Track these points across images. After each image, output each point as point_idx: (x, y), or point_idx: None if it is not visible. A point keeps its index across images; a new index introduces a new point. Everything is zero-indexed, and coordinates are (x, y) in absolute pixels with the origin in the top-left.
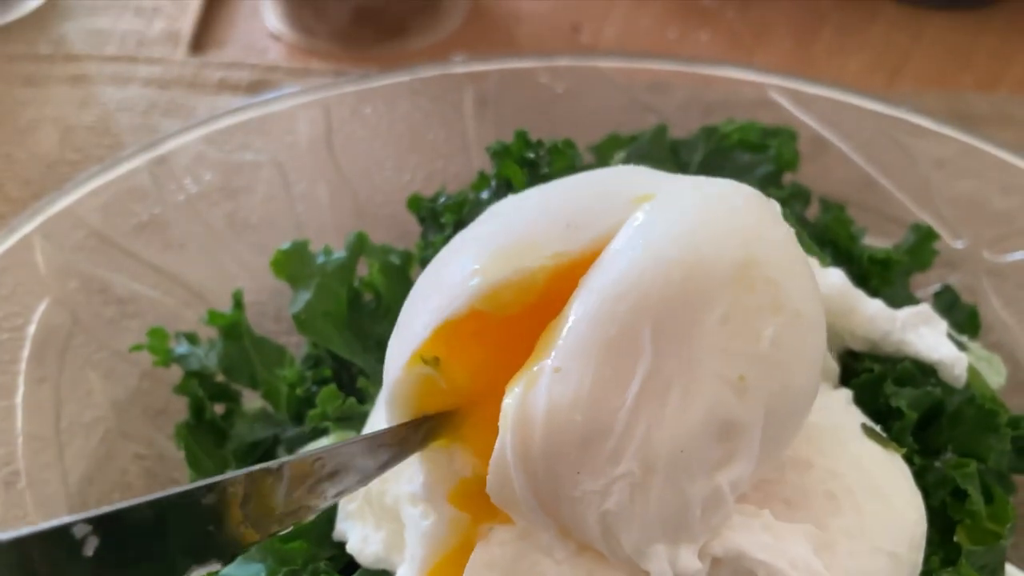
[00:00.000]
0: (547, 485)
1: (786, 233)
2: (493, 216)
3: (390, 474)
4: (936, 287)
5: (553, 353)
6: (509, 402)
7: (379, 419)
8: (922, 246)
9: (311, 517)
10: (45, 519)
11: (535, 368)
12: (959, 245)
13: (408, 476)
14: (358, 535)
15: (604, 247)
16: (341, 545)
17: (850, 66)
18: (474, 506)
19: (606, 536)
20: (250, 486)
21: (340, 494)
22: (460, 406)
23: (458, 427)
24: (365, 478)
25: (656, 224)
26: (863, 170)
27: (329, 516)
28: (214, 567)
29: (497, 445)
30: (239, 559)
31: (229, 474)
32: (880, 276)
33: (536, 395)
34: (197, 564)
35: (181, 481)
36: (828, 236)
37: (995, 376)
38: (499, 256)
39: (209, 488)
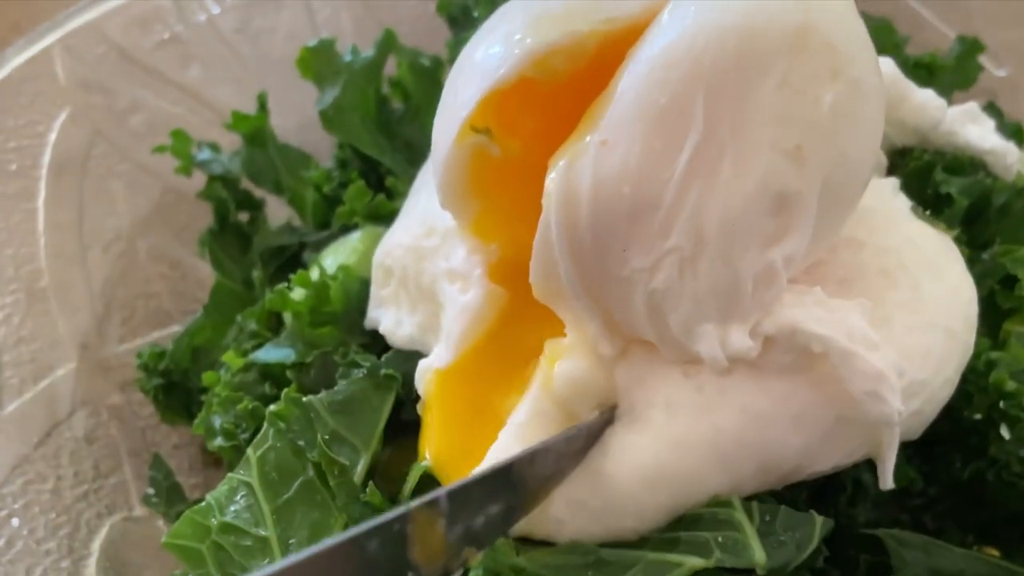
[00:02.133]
0: (593, 265)
1: (847, 2)
2: None
3: (428, 253)
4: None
5: (600, 124)
6: (553, 177)
7: (417, 205)
8: (967, 58)
9: None
10: (67, 318)
11: (581, 141)
12: (1002, 73)
13: (445, 253)
14: (392, 318)
15: (657, 14)
16: (373, 334)
17: None
18: (513, 283)
19: (653, 317)
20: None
21: None
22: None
23: (504, 203)
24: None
25: None
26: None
27: (360, 306)
28: None
29: (541, 224)
30: (267, 345)
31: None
32: (925, 83)
33: (581, 169)
34: None
35: (205, 298)
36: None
37: None
38: (548, 21)
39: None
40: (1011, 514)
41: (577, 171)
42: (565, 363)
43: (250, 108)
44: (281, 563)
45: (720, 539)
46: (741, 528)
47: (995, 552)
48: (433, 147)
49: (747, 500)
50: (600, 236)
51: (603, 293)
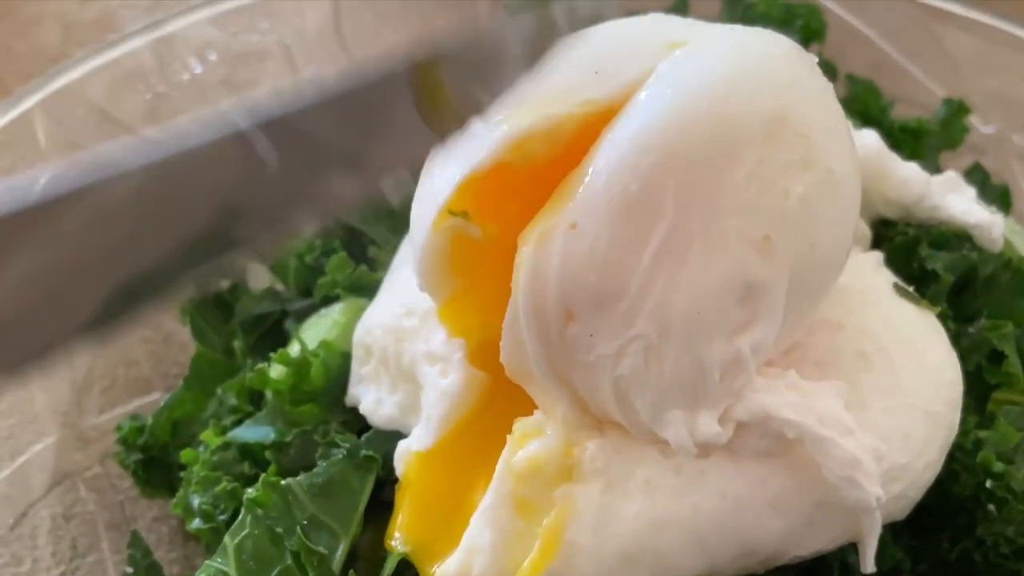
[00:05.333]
0: (560, 348)
1: (824, 87)
2: None
3: (407, 334)
4: (966, 167)
5: (570, 207)
6: (522, 256)
7: (398, 282)
8: (953, 120)
9: None
10: (46, 390)
11: (550, 223)
12: (989, 130)
13: (425, 335)
14: (372, 397)
15: (633, 95)
16: (353, 411)
17: None
18: (494, 367)
19: (621, 403)
20: None
21: None
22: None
23: (483, 284)
24: None
25: (686, 72)
26: (890, 56)
27: (341, 382)
28: None
29: (510, 306)
30: (247, 422)
31: None
32: (911, 147)
33: (550, 252)
34: None
35: (186, 363)
36: (856, 107)
37: None
38: (525, 105)
39: None
40: None
41: (546, 253)
42: (530, 443)
43: None
44: None
45: None
46: None
47: None
48: (411, 231)
49: None
50: (566, 321)
51: (571, 375)
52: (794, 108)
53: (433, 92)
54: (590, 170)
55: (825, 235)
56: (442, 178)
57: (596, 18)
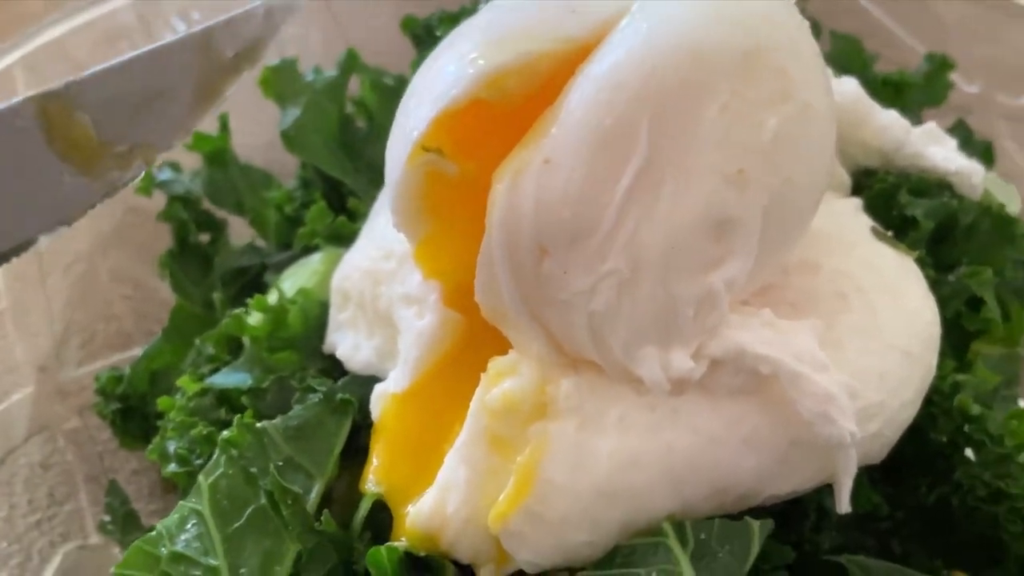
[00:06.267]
0: (534, 285)
1: (800, 23)
2: (493, 6)
3: (384, 277)
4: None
5: (544, 142)
6: (496, 192)
7: (375, 228)
8: (937, 75)
9: None
10: (26, 341)
11: (525, 157)
12: (974, 89)
13: (402, 277)
14: (349, 343)
15: (611, 31)
16: (332, 359)
17: None
18: (470, 308)
19: (595, 340)
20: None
21: None
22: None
23: (458, 225)
24: None
25: (661, 8)
26: (878, 19)
27: (319, 330)
28: None
29: (483, 243)
30: (224, 369)
31: None
32: (893, 101)
33: (524, 187)
34: None
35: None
36: (840, 62)
37: (1010, 203)
38: (501, 42)
39: None
40: (980, 538)
41: (520, 189)
42: (504, 381)
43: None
44: None
45: (654, 575)
46: (675, 559)
47: None
48: (387, 168)
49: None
50: (540, 258)
51: (545, 313)
52: (769, 42)
53: (68, 133)
54: (565, 106)
55: (800, 170)
56: (416, 114)
57: (260, 42)
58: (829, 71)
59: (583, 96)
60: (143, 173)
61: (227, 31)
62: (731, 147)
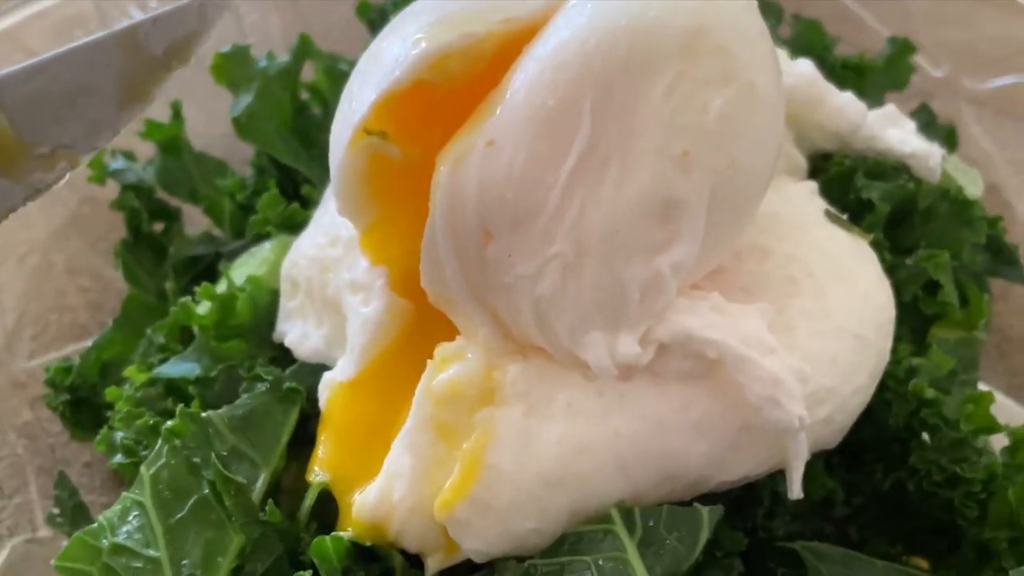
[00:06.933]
0: (479, 270)
1: (746, 4)
2: None
3: (331, 263)
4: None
5: (488, 124)
6: (438, 180)
7: (325, 215)
8: (898, 59)
9: None
10: None
11: (469, 139)
12: (939, 74)
13: (349, 264)
14: (298, 331)
15: (556, 13)
16: (283, 348)
17: None
18: (417, 295)
19: (541, 325)
20: None
21: None
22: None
23: (404, 210)
24: None
25: None
26: (842, 1)
27: (269, 318)
28: None
29: (427, 227)
30: (173, 359)
31: None
32: (854, 84)
33: (468, 170)
34: None
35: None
36: (801, 45)
37: (972, 187)
38: (445, 23)
39: None
40: (938, 523)
41: (463, 172)
42: (450, 366)
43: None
44: None
45: (601, 562)
46: (622, 546)
47: (923, 563)
48: (330, 153)
49: (629, 508)
50: (485, 241)
51: (491, 298)
52: (713, 22)
53: None
54: (509, 88)
55: (746, 151)
56: (360, 97)
57: (192, 38)
58: (783, 53)
59: (527, 77)
60: (66, 176)
61: (156, 27)
62: (675, 128)
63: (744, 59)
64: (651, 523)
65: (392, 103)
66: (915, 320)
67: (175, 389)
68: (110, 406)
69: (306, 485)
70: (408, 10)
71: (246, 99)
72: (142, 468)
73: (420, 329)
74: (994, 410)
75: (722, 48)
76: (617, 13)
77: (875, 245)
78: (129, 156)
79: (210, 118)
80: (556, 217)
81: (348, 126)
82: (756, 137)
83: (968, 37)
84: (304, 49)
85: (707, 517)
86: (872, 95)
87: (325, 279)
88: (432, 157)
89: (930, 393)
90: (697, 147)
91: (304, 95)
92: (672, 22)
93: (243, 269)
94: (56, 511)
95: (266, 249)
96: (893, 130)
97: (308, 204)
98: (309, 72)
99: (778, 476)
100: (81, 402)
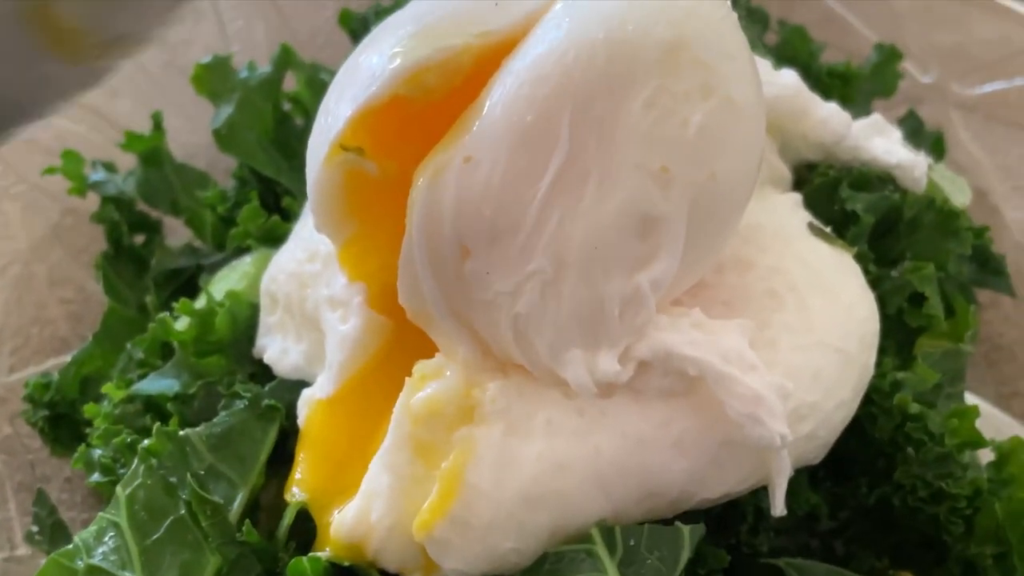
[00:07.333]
0: (457, 287)
1: (725, 15)
2: (417, 1)
3: (310, 279)
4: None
5: (465, 140)
6: (415, 196)
7: (304, 229)
8: (885, 66)
9: None
10: None
11: (444, 157)
12: (927, 79)
13: (327, 279)
14: (278, 347)
15: (534, 25)
16: (263, 364)
17: None
18: (396, 312)
19: (520, 342)
20: None
21: None
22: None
23: (382, 226)
24: None
25: (584, 2)
26: (829, 6)
27: (249, 333)
28: None
29: (404, 244)
30: (152, 375)
31: None
32: (840, 92)
33: (445, 185)
34: None
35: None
36: (786, 53)
37: (959, 196)
38: (422, 36)
39: None
40: (924, 537)
41: (440, 188)
42: (429, 384)
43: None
44: None
45: None
46: (603, 566)
47: None
48: (307, 168)
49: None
50: (463, 258)
51: (470, 315)
52: (693, 35)
53: (49, 24)
54: (487, 102)
55: (726, 165)
56: (336, 112)
57: None
58: (767, 63)
59: (505, 91)
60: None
61: None
62: (654, 143)
63: (723, 72)
64: (632, 543)
65: (368, 118)
66: (900, 333)
67: (154, 406)
68: (89, 422)
69: (285, 503)
70: (387, 22)
71: (227, 110)
72: (118, 488)
73: (399, 346)
74: (982, 421)
75: (701, 61)
76: (595, 26)
77: (860, 257)
78: (110, 168)
79: (193, 128)
80: (534, 233)
81: (324, 142)
82: (736, 151)
83: (957, 40)
84: (286, 59)
85: (688, 536)
86: (859, 102)
87: (304, 295)
88: (410, 172)
89: (915, 407)
90: (677, 161)
91: (286, 105)
92: (651, 35)
93: (223, 283)
94: (35, 528)
95: (246, 263)
96: (878, 140)
97: (289, 216)
98: (291, 83)
99: (761, 492)
100: (60, 418)
